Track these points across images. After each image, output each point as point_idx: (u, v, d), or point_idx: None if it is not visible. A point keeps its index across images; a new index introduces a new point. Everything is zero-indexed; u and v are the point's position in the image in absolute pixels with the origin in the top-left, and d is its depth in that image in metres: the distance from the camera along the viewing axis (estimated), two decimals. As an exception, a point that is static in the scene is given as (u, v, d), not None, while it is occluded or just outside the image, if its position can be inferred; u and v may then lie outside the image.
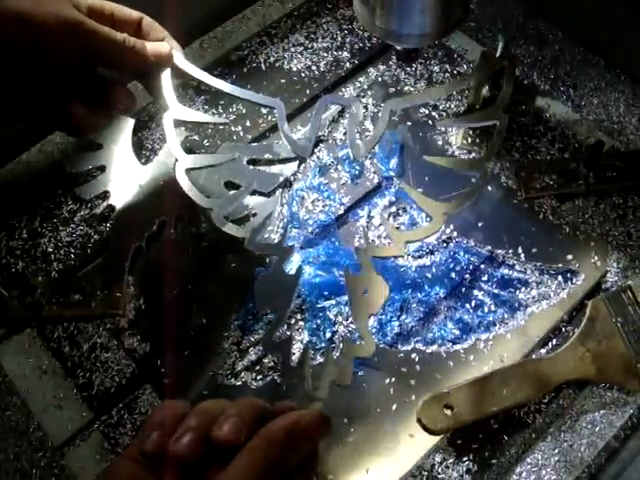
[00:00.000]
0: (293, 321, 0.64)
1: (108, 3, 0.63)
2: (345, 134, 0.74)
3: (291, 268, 0.65)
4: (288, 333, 0.63)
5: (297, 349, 0.63)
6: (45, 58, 0.57)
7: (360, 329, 0.59)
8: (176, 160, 0.66)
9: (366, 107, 0.76)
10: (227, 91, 0.68)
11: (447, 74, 0.79)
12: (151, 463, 0.43)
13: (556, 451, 0.60)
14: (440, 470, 0.59)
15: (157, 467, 0.43)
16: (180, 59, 0.66)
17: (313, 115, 0.70)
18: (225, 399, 0.47)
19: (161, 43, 0.65)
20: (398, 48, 0.68)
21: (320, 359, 0.62)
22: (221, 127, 0.76)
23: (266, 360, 0.63)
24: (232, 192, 0.68)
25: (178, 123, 0.69)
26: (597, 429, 0.61)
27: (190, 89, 0.78)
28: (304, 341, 0.63)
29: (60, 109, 0.60)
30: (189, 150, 0.73)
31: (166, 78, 0.66)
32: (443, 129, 0.75)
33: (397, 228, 0.67)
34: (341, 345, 0.62)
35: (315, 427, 0.46)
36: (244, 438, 0.43)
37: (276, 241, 0.67)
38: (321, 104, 0.71)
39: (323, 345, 0.63)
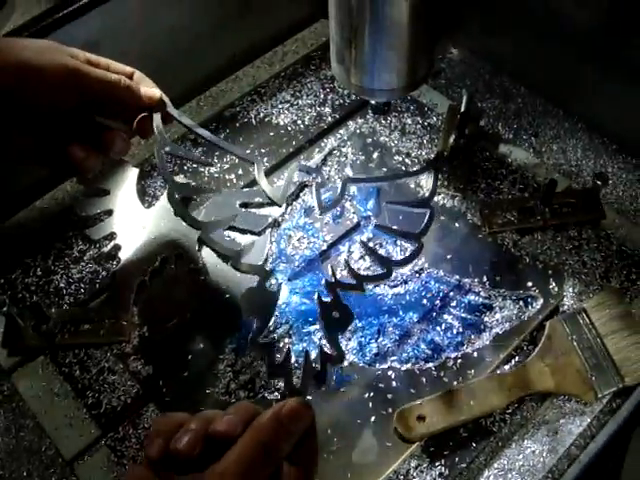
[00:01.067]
0: (282, 344, 0.70)
1: (104, 58, 0.69)
2: (327, 179, 0.82)
3: (272, 286, 0.74)
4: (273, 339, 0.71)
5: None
6: (45, 101, 0.62)
7: (331, 342, 0.66)
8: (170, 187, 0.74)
9: (346, 156, 0.85)
10: (212, 141, 0.75)
11: (419, 125, 0.88)
12: (159, 467, 0.46)
13: (520, 457, 0.65)
14: (415, 474, 0.64)
15: (165, 470, 0.46)
16: (170, 106, 0.73)
17: (285, 179, 0.80)
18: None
19: (153, 89, 0.71)
20: (372, 102, 0.76)
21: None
22: (216, 175, 0.84)
23: (257, 380, 0.69)
24: (217, 218, 0.77)
25: (177, 172, 0.77)
26: (558, 436, 0.66)
27: (188, 142, 0.87)
28: (292, 360, 0.69)
29: (60, 152, 0.66)
30: (199, 188, 0.82)
31: (157, 120, 0.71)
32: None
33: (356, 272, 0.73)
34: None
35: (298, 410, 0.48)
36: (240, 431, 0.46)
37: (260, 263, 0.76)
38: (290, 173, 0.81)
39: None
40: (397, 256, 0.76)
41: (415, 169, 0.78)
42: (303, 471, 0.49)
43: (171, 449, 0.45)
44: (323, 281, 0.70)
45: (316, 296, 0.68)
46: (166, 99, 0.73)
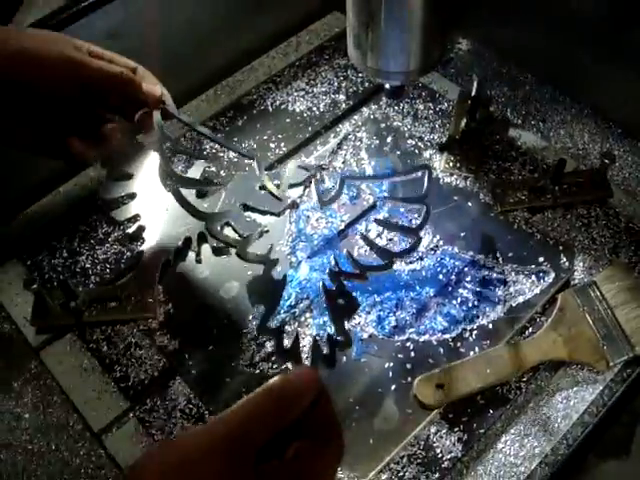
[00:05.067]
0: (303, 319, 0.73)
1: (108, 52, 0.69)
2: (344, 162, 0.85)
3: (279, 274, 0.75)
4: (284, 324, 0.73)
5: (307, 341, 0.72)
6: (45, 90, 0.63)
7: (337, 328, 0.69)
8: (204, 193, 0.79)
9: (361, 140, 0.87)
10: (212, 139, 0.80)
11: (430, 111, 0.90)
12: None
13: (536, 422, 0.67)
14: (435, 440, 0.66)
15: None
16: (170, 104, 0.73)
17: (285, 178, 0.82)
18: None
19: (155, 85, 0.71)
20: (387, 86, 0.79)
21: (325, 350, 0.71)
22: (235, 160, 0.86)
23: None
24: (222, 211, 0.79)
25: (197, 155, 0.81)
26: (571, 403, 0.68)
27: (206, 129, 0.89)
28: (312, 334, 0.72)
29: (59, 143, 0.67)
30: (207, 179, 0.84)
31: (157, 116, 0.72)
32: (428, 156, 0.85)
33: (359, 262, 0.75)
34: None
35: (303, 374, 0.46)
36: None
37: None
38: (292, 166, 0.83)
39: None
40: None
41: (407, 169, 0.80)
42: (321, 446, 0.46)
43: None
44: (327, 271, 0.73)
45: (321, 284, 0.72)
46: (167, 97, 0.73)
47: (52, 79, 0.63)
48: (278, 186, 0.82)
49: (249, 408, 0.44)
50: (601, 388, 0.69)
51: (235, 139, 0.88)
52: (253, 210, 0.81)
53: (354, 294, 0.73)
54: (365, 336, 0.72)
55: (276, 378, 0.46)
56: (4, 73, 0.62)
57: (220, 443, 0.42)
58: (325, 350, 0.69)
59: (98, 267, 0.79)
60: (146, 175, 0.82)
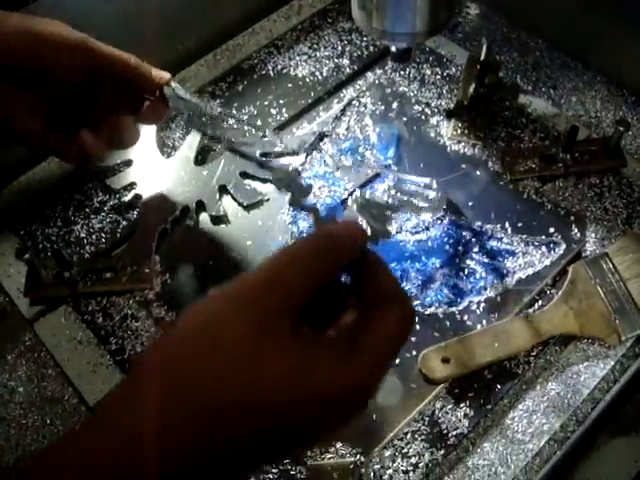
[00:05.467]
0: None
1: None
2: (347, 129, 0.82)
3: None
4: None
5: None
6: (55, 73, 0.62)
7: None
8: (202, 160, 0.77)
9: (365, 106, 0.84)
10: (225, 115, 0.77)
11: (438, 76, 0.87)
12: None
13: (545, 398, 0.65)
14: (440, 415, 0.64)
15: None
16: (178, 87, 0.72)
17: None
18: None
19: (162, 71, 0.70)
20: (392, 49, 0.75)
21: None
22: (235, 126, 0.83)
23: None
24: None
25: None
26: (582, 379, 0.66)
27: (206, 94, 0.86)
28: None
29: (68, 138, 0.66)
30: (207, 146, 0.81)
31: (168, 89, 0.71)
32: (435, 122, 0.82)
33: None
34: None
35: (348, 226, 0.42)
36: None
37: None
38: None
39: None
40: (418, 204, 0.76)
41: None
42: (393, 309, 0.40)
43: None
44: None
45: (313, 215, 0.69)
46: (174, 81, 0.72)
47: (66, 64, 0.62)
48: (280, 154, 0.79)
49: (284, 258, 0.39)
50: (612, 363, 0.67)
51: (235, 105, 0.85)
52: (253, 178, 0.78)
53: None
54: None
55: (314, 232, 0.42)
56: (17, 51, 0.61)
57: (252, 291, 0.37)
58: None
59: (93, 236, 0.76)
60: (142, 142, 0.79)
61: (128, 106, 0.71)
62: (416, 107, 0.84)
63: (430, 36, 0.71)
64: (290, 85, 0.87)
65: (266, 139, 0.80)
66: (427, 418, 0.64)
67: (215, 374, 0.36)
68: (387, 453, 0.63)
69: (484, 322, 0.69)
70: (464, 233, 0.74)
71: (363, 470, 0.62)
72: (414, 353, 0.67)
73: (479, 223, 0.75)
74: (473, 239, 0.73)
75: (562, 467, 0.64)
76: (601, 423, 0.66)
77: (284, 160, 0.79)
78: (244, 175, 0.78)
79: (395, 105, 0.84)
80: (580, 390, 0.66)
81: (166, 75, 0.70)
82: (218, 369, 0.36)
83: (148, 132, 0.81)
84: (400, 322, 0.40)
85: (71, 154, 0.69)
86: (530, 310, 0.70)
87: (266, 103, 0.85)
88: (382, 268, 0.42)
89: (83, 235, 0.76)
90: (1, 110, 0.64)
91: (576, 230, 0.74)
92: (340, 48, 0.91)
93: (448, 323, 0.69)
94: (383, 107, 0.84)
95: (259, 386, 0.36)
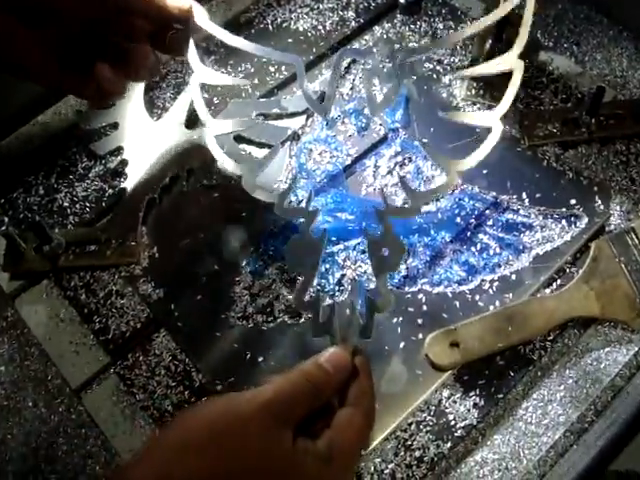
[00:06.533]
0: (326, 301, 0.64)
1: None
2: (352, 89, 0.76)
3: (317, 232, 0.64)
4: (317, 292, 0.63)
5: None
6: (68, 6, 0.58)
7: (380, 287, 0.58)
8: (194, 122, 0.69)
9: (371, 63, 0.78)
10: (247, 49, 0.66)
11: (451, 30, 0.81)
12: None
13: (562, 387, 0.61)
14: (447, 405, 0.60)
15: None
16: (202, 16, 0.65)
17: (332, 71, 0.67)
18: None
19: None
20: (401, 1, 0.69)
21: (329, 301, 0.64)
22: (229, 85, 0.77)
23: (276, 303, 0.65)
24: (259, 157, 0.70)
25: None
26: (602, 366, 0.62)
27: (199, 50, 0.80)
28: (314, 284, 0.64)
29: (84, 74, 0.61)
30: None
31: (189, 40, 0.65)
32: (447, 82, 0.76)
33: (413, 189, 0.64)
34: (349, 288, 0.64)
35: (338, 357, 0.54)
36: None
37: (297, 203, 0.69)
38: (339, 58, 0.68)
39: (331, 288, 0.64)
40: (428, 171, 0.70)
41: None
42: (357, 412, 0.52)
43: None
44: (373, 210, 0.61)
45: (364, 229, 0.61)
46: (198, 8, 0.65)
47: None
48: (278, 116, 0.73)
49: (287, 388, 0.49)
50: (636, 349, 0.62)
51: (231, 62, 0.80)
52: (249, 142, 0.72)
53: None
54: (371, 287, 0.64)
55: (310, 363, 0.52)
56: None
57: (270, 404, 0.48)
58: (361, 321, 0.57)
59: (77, 206, 0.72)
60: (130, 103, 0.74)
61: (147, 38, 0.65)
62: (427, 64, 0.78)
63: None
64: (290, 40, 0.81)
65: (263, 100, 0.74)
66: (433, 408, 0.60)
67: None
68: (389, 445, 0.59)
69: (497, 303, 0.64)
70: (477, 204, 0.68)
71: (362, 464, 0.58)
72: (420, 336, 0.62)
73: (494, 193, 0.69)
74: (487, 211, 0.68)
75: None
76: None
77: (283, 122, 0.73)
78: (239, 139, 0.73)
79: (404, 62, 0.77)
80: (600, 378, 0.61)
81: (185, 3, 0.63)
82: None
83: (136, 92, 0.75)
84: (362, 426, 0.52)
85: (89, 90, 0.63)
86: (548, 290, 0.65)
87: (264, 60, 0.79)
88: (363, 371, 0.54)
89: (66, 204, 0.72)
90: (13, 49, 0.60)
91: (599, 202, 0.68)
92: (345, -1, 0.84)
93: (458, 304, 0.64)
94: (391, 64, 0.77)
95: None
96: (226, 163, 0.64)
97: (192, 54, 0.65)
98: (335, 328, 0.57)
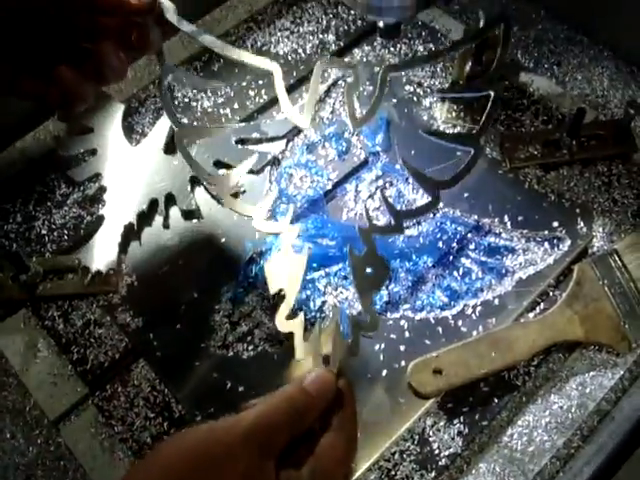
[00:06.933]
0: (310, 320, 0.64)
1: None
2: (332, 112, 0.75)
3: (298, 248, 0.65)
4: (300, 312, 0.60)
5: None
6: (15, 3, 0.55)
7: (365, 307, 0.57)
8: (173, 147, 0.68)
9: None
10: (218, 50, 0.64)
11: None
12: None
13: (547, 413, 0.60)
14: (431, 433, 0.59)
15: None
16: (169, 9, 0.62)
17: (311, 82, 0.65)
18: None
19: None
20: (381, 25, 0.69)
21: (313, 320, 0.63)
22: (210, 110, 0.77)
23: (257, 331, 0.64)
24: (229, 170, 0.69)
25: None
26: (587, 391, 0.61)
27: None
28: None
29: (44, 80, 0.58)
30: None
31: (157, 34, 0.61)
32: (428, 104, 0.76)
33: (395, 207, 0.63)
34: (331, 314, 0.63)
35: (322, 380, 0.52)
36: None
37: (280, 220, 0.66)
38: (318, 69, 0.66)
39: (313, 315, 0.64)
40: (409, 195, 0.69)
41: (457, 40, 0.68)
42: (341, 438, 0.50)
43: None
44: (356, 227, 0.59)
45: (348, 248, 0.58)
46: (166, 2, 0.62)
47: None
48: (258, 140, 0.72)
49: (268, 414, 0.48)
50: (622, 373, 0.62)
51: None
52: (228, 167, 0.72)
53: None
54: (353, 313, 0.63)
55: (292, 387, 0.50)
56: None
57: (252, 432, 0.46)
58: (348, 338, 0.56)
59: (55, 233, 0.71)
60: (108, 129, 0.74)
61: (112, 36, 0.60)
62: (407, 87, 0.78)
63: (421, 10, 0.65)
64: (270, 64, 0.81)
65: (242, 124, 0.73)
66: (417, 436, 0.60)
67: None
68: (372, 476, 0.58)
69: (480, 328, 0.63)
70: (459, 228, 0.68)
71: (346, 495, 0.57)
72: (403, 364, 0.61)
73: (475, 217, 0.69)
74: (469, 235, 0.68)
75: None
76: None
77: (262, 147, 0.73)
78: (218, 164, 0.72)
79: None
80: (585, 403, 0.61)
81: None
82: None
83: (114, 118, 0.74)
84: (346, 453, 0.51)
85: (52, 96, 0.59)
86: (531, 314, 0.64)
87: (244, 84, 0.79)
88: (346, 395, 0.53)
89: (44, 232, 0.71)
90: None
91: (582, 224, 0.68)
92: (325, 22, 0.84)
93: (440, 329, 0.63)
94: (371, 87, 0.77)
95: None
96: (196, 169, 0.64)
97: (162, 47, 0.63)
98: (319, 348, 0.56)
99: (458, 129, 0.74)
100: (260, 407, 0.48)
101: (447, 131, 0.74)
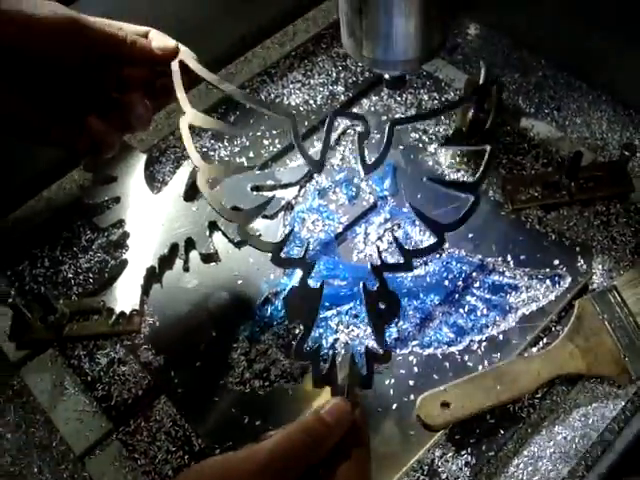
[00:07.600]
0: (297, 330, 0.68)
1: (115, 21, 0.62)
2: (342, 159, 0.79)
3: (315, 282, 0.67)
4: (316, 343, 0.61)
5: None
6: (48, 54, 0.57)
7: (378, 339, 0.58)
8: (192, 195, 0.71)
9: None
10: (236, 97, 0.67)
11: (435, 101, 0.84)
12: None
13: (551, 443, 0.62)
14: (440, 464, 0.61)
15: None
16: (189, 57, 0.64)
17: (324, 132, 0.67)
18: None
19: (167, 38, 0.64)
20: (386, 77, 0.73)
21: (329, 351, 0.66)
22: (227, 158, 0.81)
23: (273, 368, 0.67)
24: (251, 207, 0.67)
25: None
26: (590, 421, 0.63)
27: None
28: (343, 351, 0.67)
29: (75, 129, 0.60)
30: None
31: (177, 80, 0.63)
32: (433, 150, 0.79)
33: (404, 246, 0.64)
34: (343, 351, 0.66)
35: (338, 409, 0.52)
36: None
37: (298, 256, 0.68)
38: (331, 120, 0.68)
39: (325, 352, 0.66)
40: (416, 236, 0.72)
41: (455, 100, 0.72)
42: (355, 468, 0.50)
43: None
44: (368, 265, 0.61)
45: (362, 285, 0.60)
46: (184, 49, 0.64)
47: (54, 40, 0.57)
48: (272, 187, 0.76)
49: (285, 444, 0.48)
50: (623, 404, 0.64)
51: (226, 136, 0.83)
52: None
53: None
54: (363, 350, 0.66)
55: (310, 416, 0.50)
56: (5, 36, 0.56)
57: (268, 461, 0.47)
58: (363, 371, 0.57)
59: (81, 277, 0.74)
60: (131, 178, 0.78)
61: (138, 86, 0.63)
62: (413, 134, 0.81)
63: (424, 62, 0.69)
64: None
65: (258, 172, 0.77)
66: (426, 467, 0.61)
67: None
68: (384, 505, 0.60)
69: (486, 363, 0.65)
70: (464, 267, 0.71)
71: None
72: (412, 397, 0.64)
73: (480, 256, 0.72)
74: (474, 273, 0.70)
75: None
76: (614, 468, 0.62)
77: (277, 193, 0.76)
78: (235, 210, 0.75)
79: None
80: (589, 433, 0.63)
81: (169, 44, 0.63)
82: None
83: (137, 167, 0.78)
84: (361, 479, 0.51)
85: (82, 144, 0.62)
86: (534, 349, 0.67)
87: (259, 134, 0.83)
88: (361, 427, 0.53)
89: (70, 275, 0.75)
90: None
91: (582, 261, 0.71)
92: (334, 74, 0.88)
93: (447, 364, 0.66)
94: (379, 135, 0.81)
95: None
96: (218, 208, 0.62)
97: (181, 94, 0.63)
98: (336, 378, 0.57)
99: (462, 173, 0.77)
100: (277, 437, 0.49)
101: (451, 175, 0.77)
